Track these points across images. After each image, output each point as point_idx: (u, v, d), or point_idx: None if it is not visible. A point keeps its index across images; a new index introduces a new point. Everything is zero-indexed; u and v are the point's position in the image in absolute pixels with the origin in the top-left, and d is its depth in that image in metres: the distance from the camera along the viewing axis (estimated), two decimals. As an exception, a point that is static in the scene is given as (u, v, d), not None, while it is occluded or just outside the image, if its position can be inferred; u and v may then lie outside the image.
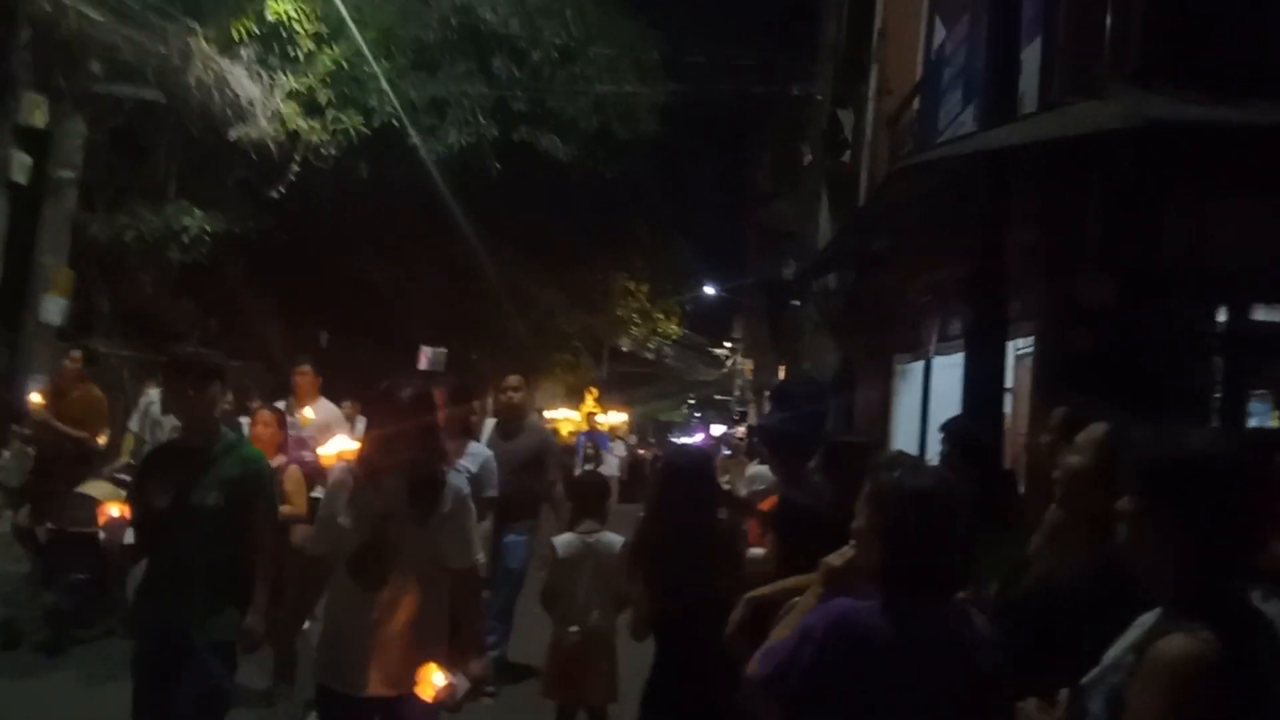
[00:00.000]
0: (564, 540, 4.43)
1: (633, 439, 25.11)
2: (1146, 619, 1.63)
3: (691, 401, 39.98)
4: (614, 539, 4.39)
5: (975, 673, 1.98)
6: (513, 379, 6.19)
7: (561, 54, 12.85)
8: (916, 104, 8.43)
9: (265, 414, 5.28)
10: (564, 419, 23.48)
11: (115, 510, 4.71)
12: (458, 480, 3.23)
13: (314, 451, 5.74)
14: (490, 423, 6.23)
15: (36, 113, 9.52)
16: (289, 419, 6.32)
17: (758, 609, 2.53)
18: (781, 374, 17.98)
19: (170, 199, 11.39)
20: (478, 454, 5.13)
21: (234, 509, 3.29)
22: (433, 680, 2.88)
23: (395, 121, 11.83)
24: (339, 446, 5.00)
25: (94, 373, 7.61)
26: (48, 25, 9.20)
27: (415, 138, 12.00)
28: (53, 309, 9.92)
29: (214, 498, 3.27)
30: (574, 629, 4.20)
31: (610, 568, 4.27)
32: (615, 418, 25.13)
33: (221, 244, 11.54)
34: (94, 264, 11.04)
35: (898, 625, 1.94)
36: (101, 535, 5.23)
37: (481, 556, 3.19)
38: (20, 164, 9.50)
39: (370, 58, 11.17)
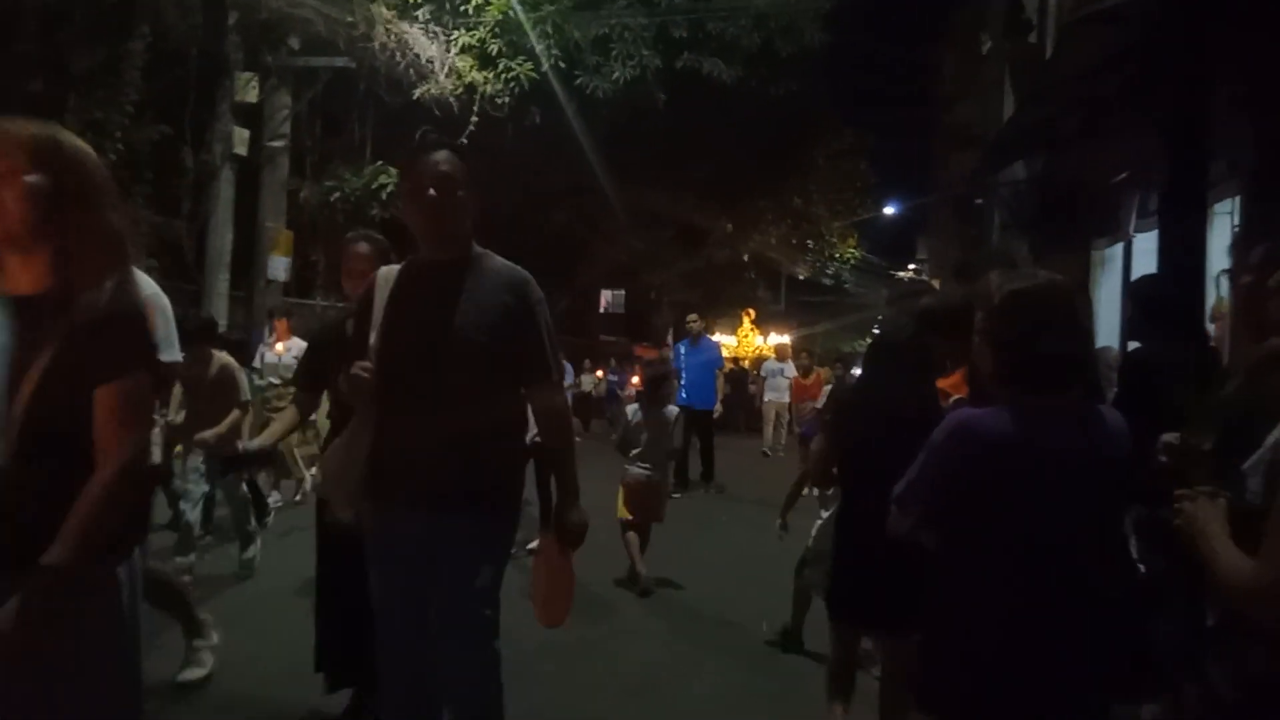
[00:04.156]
0: (633, 409, 6.19)
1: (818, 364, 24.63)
2: None
3: (876, 330, 38.64)
4: (671, 410, 6.10)
5: (1103, 467, 1.95)
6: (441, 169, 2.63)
7: (720, -28, 12.69)
8: (1105, -34, 7.75)
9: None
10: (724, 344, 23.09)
11: None
12: None
13: None
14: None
15: (249, 89, 10.54)
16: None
17: None
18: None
19: (367, 160, 12.31)
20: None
21: None
22: None
23: (562, 64, 12.17)
24: None
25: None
26: (251, 7, 10.10)
27: (582, 76, 12.29)
28: (278, 267, 11.05)
29: None
30: (642, 472, 5.84)
31: (664, 433, 5.91)
32: (775, 339, 24.59)
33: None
34: (307, 225, 12.18)
35: (1017, 424, 1.93)
36: None
37: None
38: (240, 137, 10.59)
39: (523, 17, 11.48)
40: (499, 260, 2.60)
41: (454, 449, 2.40)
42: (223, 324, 10.62)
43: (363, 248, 3.40)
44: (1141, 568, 2.98)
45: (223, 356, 5.52)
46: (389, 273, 2.62)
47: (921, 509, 2.09)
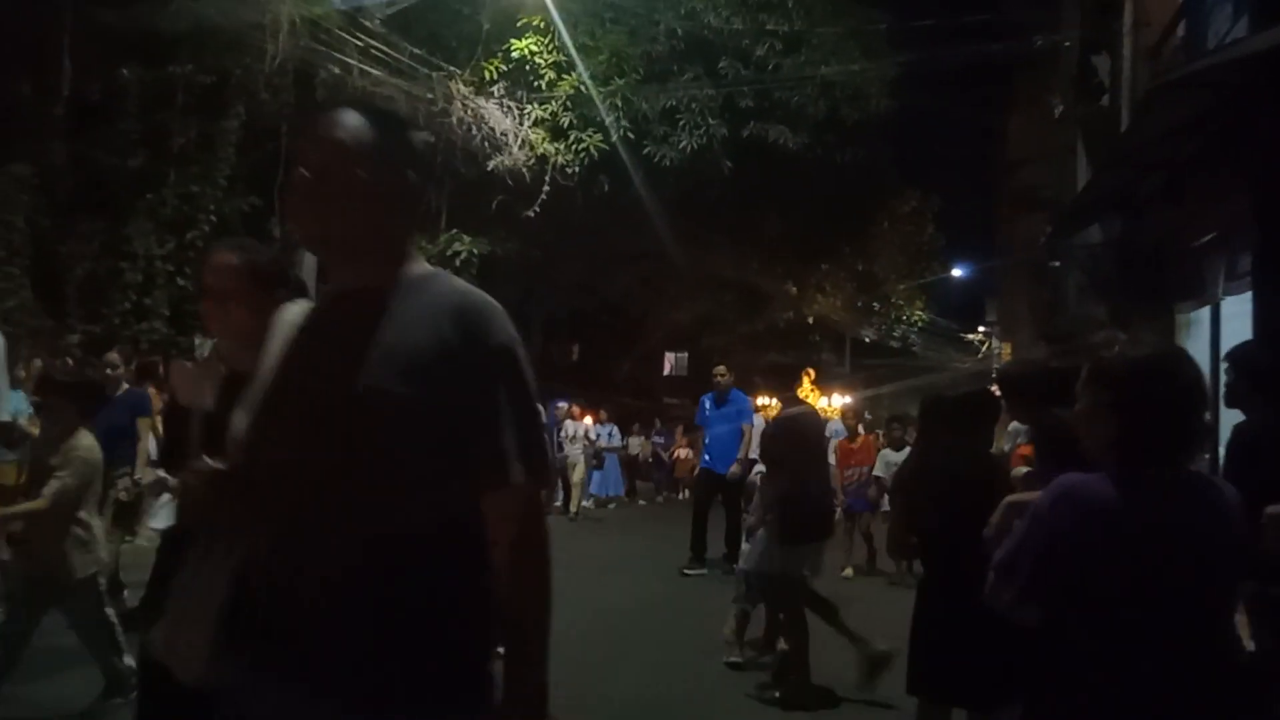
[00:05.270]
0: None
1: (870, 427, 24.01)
2: None
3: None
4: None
5: (1217, 541, 1.88)
6: None
7: (785, 43, 12.94)
8: (1181, 30, 7.71)
9: None
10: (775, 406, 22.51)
11: None
12: None
13: None
14: None
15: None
16: None
17: (1018, 513, 2.51)
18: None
19: (442, 229, 12.73)
20: None
21: None
22: None
23: (631, 135, 12.51)
24: None
25: None
26: (337, 86, 10.63)
27: (650, 146, 12.60)
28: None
29: None
30: None
31: None
32: (839, 401, 24.12)
33: (488, 265, 12.79)
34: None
35: (1127, 493, 1.87)
36: None
37: None
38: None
39: (594, 91, 11.88)
40: (452, 283, 1.56)
41: (365, 591, 1.41)
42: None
43: (227, 259, 2.26)
44: (1252, 644, 2.85)
45: (85, 441, 3.95)
46: (291, 314, 1.60)
47: (1024, 581, 2.03)
